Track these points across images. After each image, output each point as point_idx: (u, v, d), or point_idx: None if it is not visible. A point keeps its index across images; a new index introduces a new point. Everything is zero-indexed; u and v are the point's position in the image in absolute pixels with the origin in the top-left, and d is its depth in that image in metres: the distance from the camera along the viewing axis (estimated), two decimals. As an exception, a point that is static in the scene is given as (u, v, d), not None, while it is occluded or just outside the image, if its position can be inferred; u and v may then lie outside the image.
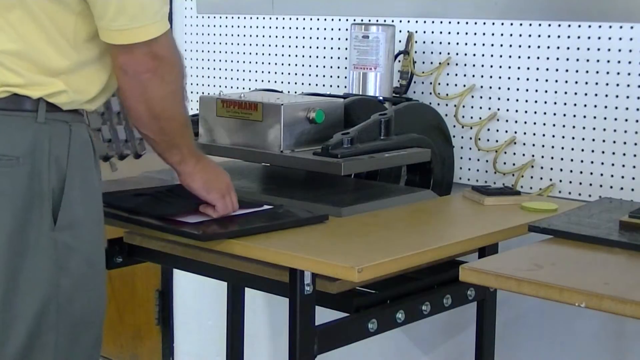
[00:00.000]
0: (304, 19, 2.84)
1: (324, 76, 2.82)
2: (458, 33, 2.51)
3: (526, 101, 2.41)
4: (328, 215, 2.01)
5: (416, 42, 2.55)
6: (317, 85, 2.82)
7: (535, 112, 2.40)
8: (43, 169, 1.70)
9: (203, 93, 3.05)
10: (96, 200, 1.80)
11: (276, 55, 2.93)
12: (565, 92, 2.35)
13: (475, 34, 2.48)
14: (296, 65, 2.88)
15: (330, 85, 2.80)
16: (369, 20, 2.62)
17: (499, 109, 2.46)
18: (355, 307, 1.92)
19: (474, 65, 2.49)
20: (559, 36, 2.34)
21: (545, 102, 2.38)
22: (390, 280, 1.97)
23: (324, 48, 2.81)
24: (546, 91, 2.38)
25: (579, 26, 2.30)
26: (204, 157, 1.95)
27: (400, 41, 2.54)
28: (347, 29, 2.62)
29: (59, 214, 1.71)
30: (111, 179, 2.23)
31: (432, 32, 2.56)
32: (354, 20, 2.64)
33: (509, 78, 2.43)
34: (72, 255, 1.74)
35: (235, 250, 1.85)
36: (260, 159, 2.33)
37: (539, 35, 2.38)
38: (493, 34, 2.45)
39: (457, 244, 1.91)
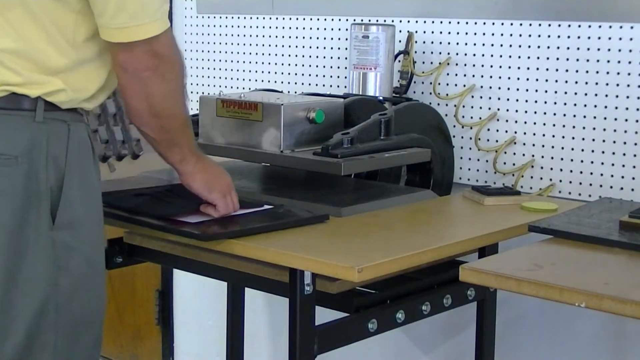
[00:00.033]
0: (304, 19, 2.84)
1: (324, 76, 2.82)
2: (458, 33, 2.51)
3: (526, 101, 2.41)
4: (329, 215, 2.01)
5: (416, 42, 2.55)
6: (317, 85, 2.82)
7: (535, 112, 2.40)
8: (41, 168, 1.70)
9: (203, 93, 3.05)
10: (95, 199, 1.80)
11: (276, 55, 2.93)
12: (565, 92, 2.35)
13: (475, 34, 2.48)
14: (296, 65, 2.88)
15: (330, 85, 2.80)
16: (369, 20, 2.62)
17: (499, 109, 2.46)
18: (355, 307, 1.92)
19: (474, 65, 2.49)
20: (559, 36, 2.34)
21: (545, 102, 2.38)
22: (390, 280, 1.97)
23: (324, 48, 2.81)
24: (546, 91, 2.38)
25: (579, 26, 2.30)
26: (204, 157, 1.95)
27: (400, 41, 2.54)
28: (347, 29, 2.63)
29: (58, 213, 1.71)
30: (110, 178, 2.23)
31: (432, 32, 2.56)
32: (354, 20, 2.64)
33: (509, 78, 2.43)
34: (71, 255, 1.74)
35: (235, 250, 1.85)
36: (260, 159, 2.33)
37: (539, 35, 2.38)
38: (493, 34, 2.45)
39: (457, 244, 1.91)
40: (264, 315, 3.11)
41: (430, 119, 2.43)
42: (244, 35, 3.01)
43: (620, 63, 2.25)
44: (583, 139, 2.33)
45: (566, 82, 2.34)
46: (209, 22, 3.10)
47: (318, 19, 2.81)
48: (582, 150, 2.33)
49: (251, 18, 2.98)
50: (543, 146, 2.39)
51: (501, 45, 2.44)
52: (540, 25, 2.37)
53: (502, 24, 2.43)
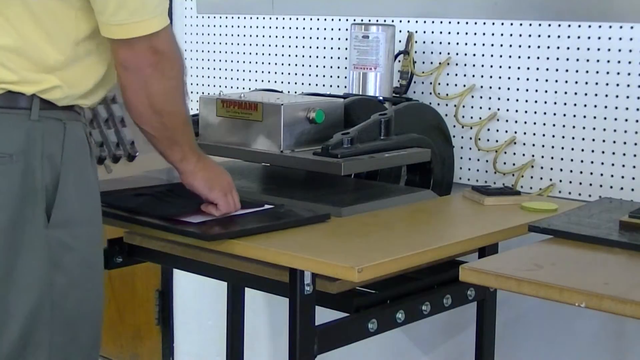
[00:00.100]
0: (304, 19, 2.84)
1: (324, 76, 2.82)
2: (458, 33, 2.51)
3: (526, 101, 2.41)
4: (329, 214, 2.01)
5: (416, 42, 2.55)
6: (317, 85, 2.82)
7: (535, 112, 2.40)
8: (36, 167, 1.70)
9: (203, 93, 3.05)
10: (93, 198, 1.80)
11: (276, 55, 2.93)
12: (565, 92, 2.35)
13: (475, 34, 2.48)
14: (296, 65, 2.88)
15: (330, 85, 2.80)
16: (369, 20, 2.62)
17: (499, 109, 2.46)
18: (355, 307, 1.92)
19: (474, 65, 2.49)
20: (559, 36, 2.34)
21: (545, 102, 2.38)
22: (390, 280, 1.97)
23: (324, 48, 2.81)
24: (546, 91, 2.38)
25: (579, 26, 2.30)
26: (204, 156, 1.95)
27: (400, 41, 2.54)
28: (347, 29, 2.63)
29: (53, 212, 1.71)
30: (109, 178, 2.23)
31: (432, 32, 2.56)
32: (354, 20, 2.64)
33: (509, 78, 2.43)
34: (67, 253, 1.73)
35: (236, 250, 1.85)
36: (260, 159, 2.33)
37: (539, 35, 2.38)
38: (493, 34, 2.45)
39: (457, 244, 1.91)
40: (264, 315, 3.11)
41: (430, 119, 2.43)
42: (244, 35, 3.01)
43: (620, 63, 2.25)
44: (583, 139, 2.33)
45: (566, 82, 2.34)
46: (209, 22, 3.10)
47: (318, 19, 2.81)
48: (582, 150, 2.33)
49: (251, 18, 2.98)
50: (543, 146, 2.39)
51: (501, 45, 2.44)
52: (540, 25, 2.37)
53: (502, 24, 2.43)
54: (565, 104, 2.35)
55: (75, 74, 1.76)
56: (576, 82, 2.32)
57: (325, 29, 2.80)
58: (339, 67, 2.77)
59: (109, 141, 2.16)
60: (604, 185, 2.30)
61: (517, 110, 2.43)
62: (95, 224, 1.81)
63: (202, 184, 1.91)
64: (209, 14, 3.10)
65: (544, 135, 2.39)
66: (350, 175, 2.39)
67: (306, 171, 2.32)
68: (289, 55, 2.89)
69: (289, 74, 2.90)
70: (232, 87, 3.05)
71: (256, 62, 2.98)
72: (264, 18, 2.94)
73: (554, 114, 2.37)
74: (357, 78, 2.51)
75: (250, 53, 3.00)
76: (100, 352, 1.89)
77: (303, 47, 2.86)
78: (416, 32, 2.56)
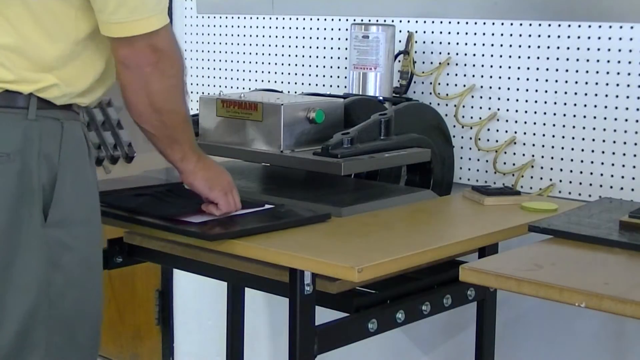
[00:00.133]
0: (304, 19, 2.84)
1: (324, 76, 2.82)
2: (458, 33, 2.51)
3: (526, 101, 2.41)
4: (330, 214, 2.01)
5: (416, 42, 2.55)
6: (317, 85, 2.82)
7: (535, 112, 2.40)
8: (33, 166, 1.70)
9: (203, 93, 3.05)
10: (91, 198, 1.80)
11: (276, 55, 2.93)
12: (565, 92, 2.35)
13: (475, 34, 2.48)
14: (296, 65, 2.88)
15: (330, 85, 2.80)
16: (369, 20, 2.62)
17: (499, 109, 2.46)
18: (355, 307, 1.92)
19: (474, 65, 2.49)
20: (559, 36, 2.34)
21: (545, 102, 2.38)
22: (390, 280, 1.97)
23: (324, 48, 2.81)
24: (546, 91, 2.38)
25: (579, 26, 2.30)
26: (205, 156, 1.95)
27: (400, 41, 2.54)
28: (347, 29, 2.62)
29: (50, 211, 1.71)
30: (108, 178, 2.22)
31: (432, 32, 2.56)
32: (354, 20, 2.64)
33: (509, 78, 2.43)
34: (65, 253, 1.73)
35: (236, 250, 1.85)
36: (260, 159, 2.33)
37: (539, 35, 2.38)
38: (493, 34, 2.45)
39: (457, 244, 1.91)
40: (264, 315, 3.11)
41: (430, 119, 2.43)
42: (244, 35, 3.01)
43: (620, 63, 2.25)
44: (583, 139, 2.33)
45: (566, 82, 2.34)
46: (209, 22, 3.10)
47: (318, 19, 2.81)
48: (582, 150, 2.33)
49: (251, 18, 2.98)
50: (543, 146, 2.39)
51: (501, 45, 2.44)
52: (540, 25, 2.37)
53: (502, 24, 2.43)
54: (565, 104, 2.35)
55: (73, 72, 1.76)
56: (576, 82, 2.32)
57: (325, 29, 2.80)
58: (339, 67, 2.77)
59: (107, 143, 2.16)
60: (604, 185, 2.30)
61: (517, 110, 2.43)
62: (94, 223, 1.81)
63: (202, 184, 1.91)
64: (209, 14, 3.10)
65: (544, 135, 2.39)
66: (350, 175, 2.39)
67: (306, 171, 2.32)
68: (289, 55, 2.89)
69: (289, 74, 2.90)
70: (232, 87, 3.05)
71: (256, 62, 2.98)
72: (264, 18, 2.94)
73: (554, 114, 2.37)
74: (357, 78, 2.51)
75: (250, 53, 3.00)
76: (100, 352, 1.89)
77: (303, 47, 2.86)
78: (416, 32, 2.56)
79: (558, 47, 2.35)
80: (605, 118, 2.28)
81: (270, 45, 2.94)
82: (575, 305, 1.47)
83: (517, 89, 2.42)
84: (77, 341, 1.79)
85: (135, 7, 1.71)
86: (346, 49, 2.62)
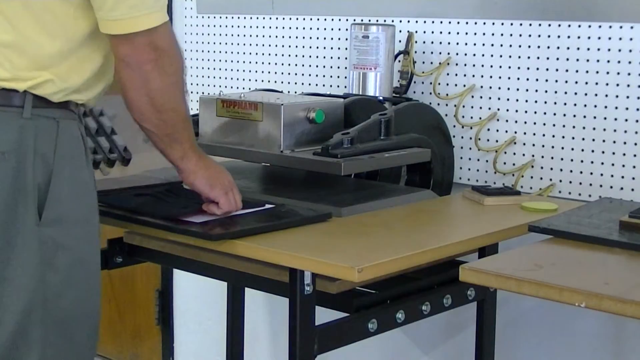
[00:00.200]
0: (304, 19, 2.84)
1: (324, 76, 2.82)
2: (458, 33, 2.51)
3: (526, 101, 2.41)
4: (331, 213, 2.01)
5: (416, 42, 2.55)
6: (317, 85, 2.82)
7: (535, 112, 2.40)
8: (28, 165, 1.70)
9: (203, 93, 3.05)
10: (87, 197, 1.80)
11: (276, 55, 2.93)
12: (565, 92, 2.35)
13: (475, 34, 2.48)
14: (296, 65, 2.88)
15: (330, 85, 2.80)
16: (369, 20, 2.62)
17: (499, 109, 2.46)
18: (355, 307, 1.92)
19: (474, 65, 2.49)
20: (559, 36, 2.34)
21: (545, 102, 2.38)
22: (390, 280, 1.97)
23: (324, 48, 2.81)
24: (546, 91, 2.38)
25: (579, 26, 2.30)
26: (205, 155, 1.95)
27: (400, 41, 2.54)
28: (347, 29, 2.62)
29: (44, 210, 1.71)
30: (107, 178, 2.22)
31: (432, 32, 2.56)
32: (354, 20, 2.64)
33: (509, 78, 2.43)
34: (60, 252, 1.73)
35: (236, 250, 1.85)
36: (260, 159, 2.33)
37: (539, 35, 2.38)
38: (493, 34, 2.45)
39: (457, 244, 1.91)
40: (264, 315, 3.11)
41: (430, 119, 2.43)
42: (244, 35, 3.01)
43: (620, 63, 2.25)
44: (583, 139, 2.33)
45: (566, 82, 2.34)
46: (209, 22, 3.10)
47: (318, 19, 2.81)
48: (582, 150, 2.33)
49: (251, 18, 2.98)
50: (543, 146, 2.39)
51: (501, 45, 2.44)
52: (540, 25, 2.37)
53: (502, 24, 2.43)
54: (565, 104, 2.35)
55: (68, 68, 1.76)
56: (576, 82, 2.32)
57: (325, 29, 2.80)
58: (339, 67, 2.77)
59: (102, 147, 2.16)
60: (604, 185, 2.30)
61: (517, 110, 2.43)
62: (91, 222, 1.80)
63: (202, 183, 1.91)
64: (209, 14, 3.10)
65: (544, 135, 2.39)
66: (350, 175, 2.39)
67: (306, 171, 2.32)
68: (289, 55, 2.89)
69: (289, 74, 2.90)
70: (232, 87, 3.05)
71: (256, 62, 2.98)
72: (264, 18, 2.94)
73: (554, 114, 2.37)
74: (357, 78, 2.51)
75: (250, 53, 3.00)
76: (100, 352, 1.89)
77: (303, 47, 2.86)
78: (416, 32, 2.56)
79: (558, 47, 2.35)
80: (605, 118, 2.28)
81: (270, 45, 2.94)
82: (575, 305, 1.47)
83: (517, 89, 2.42)
84: (74, 341, 1.78)
85: (134, 4, 1.71)
86: (346, 49, 2.62)
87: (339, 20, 2.76)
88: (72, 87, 1.77)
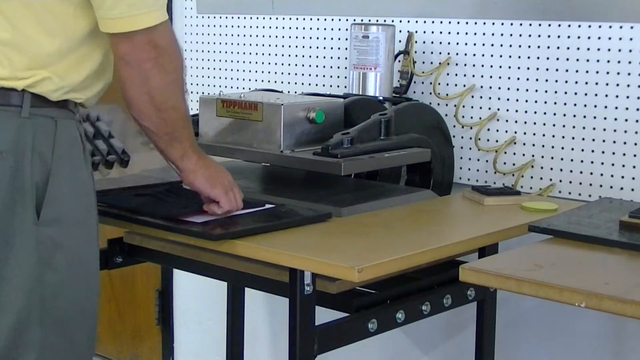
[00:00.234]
0: (304, 19, 2.84)
1: (324, 76, 2.82)
2: (458, 33, 2.51)
3: (526, 101, 2.41)
4: (331, 213, 2.01)
5: (416, 42, 2.55)
6: (317, 85, 2.82)
7: (535, 112, 2.40)
8: (26, 164, 1.71)
9: (203, 93, 3.05)
10: (86, 196, 1.80)
11: (276, 55, 2.93)
12: (565, 92, 2.35)
13: (475, 34, 2.48)
14: (296, 65, 2.88)
15: (330, 85, 2.80)
16: (369, 20, 2.62)
17: (499, 109, 2.46)
18: (355, 307, 1.92)
19: (474, 65, 2.49)
20: (559, 36, 2.34)
21: (545, 102, 2.38)
22: (390, 280, 1.97)
23: (324, 48, 2.81)
24: (546, 91, 2.38)
25: (579, 26, 2.30)
26: (205, 155, 1.95)
27: (400, 41, 2.54)
28: (347, 29, 2.62)
29: (42, 209, 1.71)
30: (107, 177, 2.23)
31: (432, 32, 2.56)
32: (354, 20, 2.64)
33: (509, 78, 2.43)
34: (58, 251, 1.73)
35: (236, 250, 1.85)
36: (260, 159, 2.33)
37: (539, 35, 2.38)
38: (493, 34, 2.45)
39: (457, 244, 1.91)
40: (264, 315, 3.11)
41: (430, 119, 2.43)
42: (244, 35, 3.01)
43: (620, 63, 2.25)
44: (583, 139, 2.33)
45: (566, 82, 2.34)
46: (209, 22, 3.10)
47: (318, 19, 2.81)
48: (582, 150, 2.33)
49: (251, 18, 2.98)
50: (543, 146, 2.39)
51: (501, 45, 2.44)
52: (540, 25, 2.37)
53: (502, 24, 2.43)
54: (565, 104, 2.35)
55: (67, 66, 1.76)
56: (576, 82, 2.32)
57: (325, 29, 2.80)
58: (339, 67, 2.77)
59: (100, 150, 2.16)
60: (604, 185, 2.30)
61: (517, 110, 2.43)
62: (89, 222, 1.80)
63: (202, 182, 1.91)
64: (209, 14, 3.10)
65: (544, 135, 2.39)
66: (350, 175, 2.39)
67: (306, 171, 2.32)
68: (289, 55, 2.89)
69: (289, 74, 2.90)
70: (232, 87, 3.05)
71: (256, 62, 2.98)
72: (264, 18, 2.94)
73: (554, 114, 2.37)
74: (357, 78, 2.51)
75: (250, 53, 3.00)
76: (100, 352, 1.89)
77: (303, 47, 2.86)
78: (416, 32, 2.56)
79: (558, 47, 2.35)
80: (605, 118, 2.28)
81: (270, 45, 2.94)
82: (575, 305, 1.47)
83: (517, 89, 2.42)
84: (73, 340, 1.78)
85: (133, 3, 1.71)
86: (346, 49, 2.62)
87: (339, 20, 2.76)
88: (70, 85, 1.77)
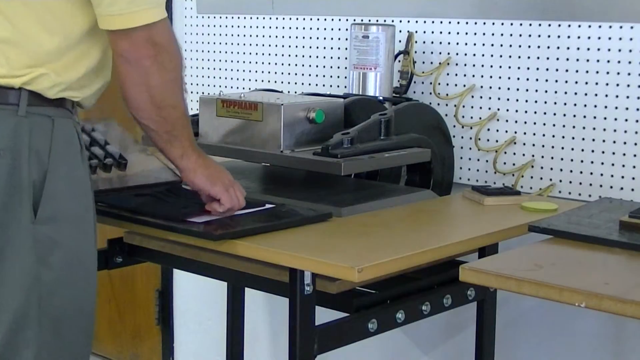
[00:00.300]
0: (304, 19, 2.84)
1: (324, 76, 2.82)
2: (458, 33, 2.51)
3: (526, 101, 2.41)
4: (331, 213, 2.01)
5: (416, 42, 2.55)
6: (317, 85, 2.82)
7: (535, 112, 2.40)
8: (23, 162, 1.71)
9: (203, 93, 3.05)
10: (83, 195, 1.80)
11: (276, 55, 2.93)
12: (565, 92, 2.35)
13: (475, 34, 2.48)
14: (296, 65, 2.88)
15: (330, 85, 2.80)
16: (369, 20, 2.62)
17: (499, 109, 2.46)
18: (355, 307, 1.92)
19: (474, 65, 2.49)
20: (558, 36, 2.34)
21: (545, 102, 2.38)
22: (390, 280, 1.97)
23: (324, 48, 2.81)
24: (546, 91, 2.38)
25: (579, 26, 2.30)
26: (204, 154, 1.95)
27: (400, 41, 2.54)
28: (347, 29, 2.63)
29: (40, 207, 1.72)
30: (106, 177, 2.23)
31: (432, 32, 2.56)
32: (354, 20, 2.64)
33: (509, 78, 2.43)
34: (55, 250, 1.73)
35: (236, 250, 1.85)
36: (260, 159, 2.33)
37: (539, 35, 2.38)
38: (493, 34, 2.45)
39: (457, 244, 1.91)
40: (264, 315, 3.11)
41: (430, 119, 2.43)
42: (244, 35, 3.01)
43: (620, 63, 2.25)
44: (583, 139, 2.33)
45: (566, 82, 2.34)
46: (209, 22, 3.10)
47: (318, 19, 2.81)
48: (582, 150, 2.33)
49: (251, 18, 2.98)
50: (543, 146, 2.39)
51: (501, 45, 2.44)
52: (540, 25, 2.37)
53: (502, 24, 2.43)
54: (565, 104, 2.35)
55: (65, 63, 1.76)
56: (576, 82, 2.32)
57: (325, 29, 2.80)
58: (339, 67, 2.77)
59: (97, 154, 2.16)
60: (604, 185, 2.30)
61: (517, 110, 2.43)
62: (87, 221, 1.80)
63: (202, 180, 1.91)
64: (209, 14, 3.10)
65: (544, 135, 2.39)
66: (350, 175, 2.39)
67: (306, 171, 2.32)
68: (289, 55, 2.89)
69: (289, 74, 2.90)
70: (232, 87, 3.05)
71: (256, 62, 2.98)
72: (264, 18, 2.94)
73: (554, 114, 2.37)
74: (357, 78, 2.51)
75: (250, 53, 3.00)
76: (100, 352, 1.89)
77: (303, 47, 2.86)
78: (416, 32, 2.56)
79: (558, 47, 2.35)
80: (605, 118, 2.28)
81: (270, 45, 2.94)
82: (575, 305, 1.47)
83: (517, 89, 2.42)
84: (69, 340, 1.78)
85: (132, 0, 1.71)
86: (346, 49, 2.62)
87: (339, 20, 2.76)
88: (67, 83, 1.77)
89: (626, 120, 2.26)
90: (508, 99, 2.44)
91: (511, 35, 2.42)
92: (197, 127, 2.32)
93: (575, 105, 2.33)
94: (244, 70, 3.02)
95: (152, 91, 1.78)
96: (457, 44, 2.51)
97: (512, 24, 2.42)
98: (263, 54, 2.96)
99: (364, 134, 2.19)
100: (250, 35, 2.99)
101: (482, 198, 2.20)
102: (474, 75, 2.49)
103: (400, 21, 2.60)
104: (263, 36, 2.95)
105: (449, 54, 2.53)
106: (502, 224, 2.03)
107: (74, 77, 1.78)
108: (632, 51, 2.23)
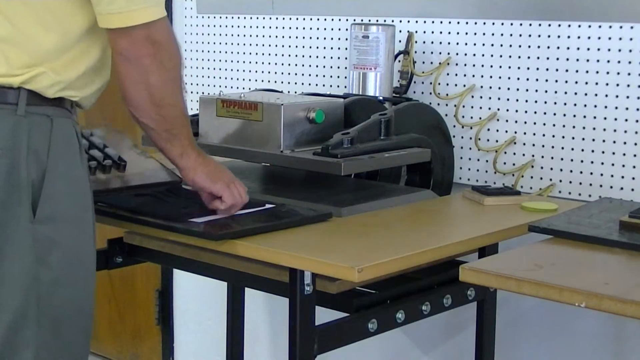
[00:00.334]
0: (304, 19, 2.84)
1: (324, 76, 2.82)
2: (458, 33, 2.51)
3: (526, 101, 2.41)
4: (331, 213, 2.01)
5: (416, 42, 2.55)
6: (317, 85, 2.82)
7: (535, 112, 2.40)
8: (21, 162, 1.71)
9: (203, 93, 3.05)
10: (82, 194, 1.80)
11: (276, 55, 2.93)
12: (565, 92, 2.35)
13: (475, 34, 2.48)
14: (296, 65, 2.88)
15: (330, 85, 2.80)
16: (369, 20, 2.62)
17: (499, 109, 2.46)
18: (355, 307, 1.92)
19: (474, 65, 2.49)
20: (558, 36, 2.34)
21: (545, 102, 2.38)
22: (390, 280, 1.97)
23: (324, 48, 2.81)
24: (546, 91, 2.38)
25: (579, 26, 2.30)
26: (204, 153, 1.95)
27: (400, 41, 2.54)
28: (347, 29, 2.63)
29: (38, 207, 1.71)
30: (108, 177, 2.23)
31: (432, 32, 2.56)
32: (354, 20, 2.64)
33: (509, 78, 2.43)
34: (53, 249, 1.73)
35: (236, 250, 1.85)
36: (260, 159, 2.33)
37: (539, 35, 2.38)
38: (493, 34, 2.45)
39: (457, 244, 1.91)
40: (264, 315, 3.11)
41: (430, 119, 2.43)
42: (244, 35, 3.01)
43: (620, 63, 2.25)
44: (583, 139, 2.33)
45: (566, 82, 2.34)
46: (209, 22, 3.10)
47: (318, 19, 2.81)
48: (582, 150, 2.33)
49: (251, 18, 2.98)
50: (543, 146, 2.39)
51: (501, 45, 2.44)
52: (540, 25, 2.37)
53: (502, 24, 2.43)
54: (565, 104, 2.35)
55: (64, 62, 1.76)
56: (576, 82, 2.32)
57: (325, 29, 2.80)
58: (339, 67, 2.77)
59: (95, 157, 2.16)
60: (604, 185, 2.30)
61: (517, 110, 2.43)
62: (85, 220, 1.80)
63: (203, 178, 1.91)
64: (209, 14, 3.10)
65: (544, 135, 2.39)
66: (350, 175, 2.39)
67: (306, 171, 2.32)
68: (289, 55, 2.89)
69: (289, 74, 2.90)
70: (232, 87, 3.05)
71: (256, 62, 2.98)
72: (264, 18, 2.94)
73: (554, 114, 2.37)
74: (357, 78, 2.51)
75: (250, 53, 3.00)
76: (100, 352, 1.89)
77: (303, 47, 2.86)
78: (416, 32, 2.56)
79: (558, 47, 2.35)
80: (605, 118, 2.28)
81: (270, 45, 2.94)
82: (575, 305, 1.47)
83: (517, 89, 2.42)
84: (68, 340, 1.78)
85: None
86: (346, 49, 2.62)
87: (339, 20, 2.76)
88: (66, 81, 1.77)
89: (626, 120, 2.26)
90: (508, 99, 2.44)
91: (511, 35, 2.42)
92: (197, 127, 2.32)
93: (575, 105, 2.33)
94: (244, 70, 3.02)
95: (152, 90, 1.78)
96: (457, 44, 2.51)
97: (512, 24, 2.42)
98: (263, 54, 2.96)
99: (364, 134, 2.19)
100: (250, 35, 2.99)
101: (482, 198, 2.20)
102: (474, 75, 2.49)
103: (400, 21, 2.60)
104: (263, 36, 2.95)
105: (449, 54, 2.53)
106: (502, 224, 2.03)
107: (74, 76, 1.78)
108: (632, 51, 2.23)
